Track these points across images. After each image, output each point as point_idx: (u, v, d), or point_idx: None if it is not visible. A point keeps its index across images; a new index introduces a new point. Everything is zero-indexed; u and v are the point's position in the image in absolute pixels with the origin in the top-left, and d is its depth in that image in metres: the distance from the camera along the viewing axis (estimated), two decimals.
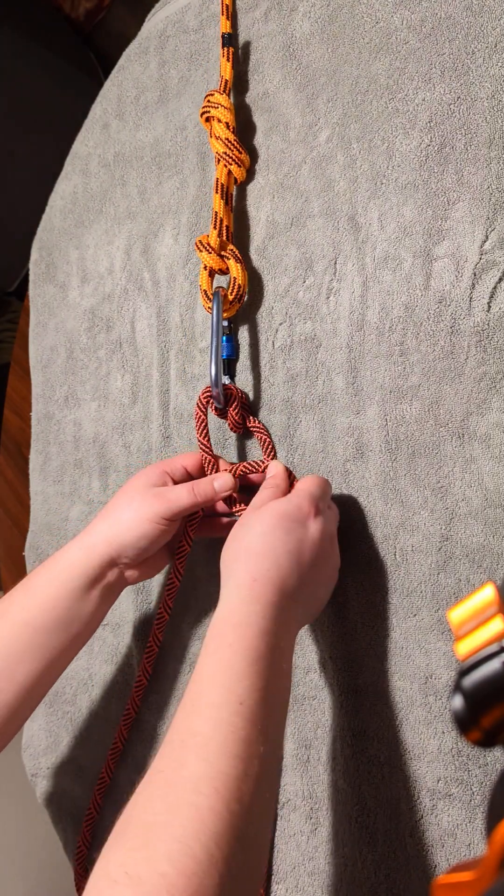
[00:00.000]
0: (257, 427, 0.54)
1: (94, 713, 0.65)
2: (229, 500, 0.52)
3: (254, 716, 0.35)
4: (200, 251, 0.55)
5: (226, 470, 0.51)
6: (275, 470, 0.49)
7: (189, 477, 0.52)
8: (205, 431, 0.53)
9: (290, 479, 0.50)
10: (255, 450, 0.57)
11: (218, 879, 0.29)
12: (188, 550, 0.53)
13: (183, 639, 0.60)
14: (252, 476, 0.53)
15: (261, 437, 0.54)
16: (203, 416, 0.53)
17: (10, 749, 0.50)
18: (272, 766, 0.36)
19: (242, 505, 0.51)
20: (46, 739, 0.68)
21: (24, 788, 0.71)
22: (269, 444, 0.54)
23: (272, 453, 0.54)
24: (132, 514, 0.48)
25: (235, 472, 0.51)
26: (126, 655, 0.63)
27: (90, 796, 0.65)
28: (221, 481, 0.49)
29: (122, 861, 0.30)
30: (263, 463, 0.51)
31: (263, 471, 0.51)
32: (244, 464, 0.52)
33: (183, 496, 0.48)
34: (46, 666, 0.48)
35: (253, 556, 0.41)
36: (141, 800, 0.33)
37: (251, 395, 0.56)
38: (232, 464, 0.53)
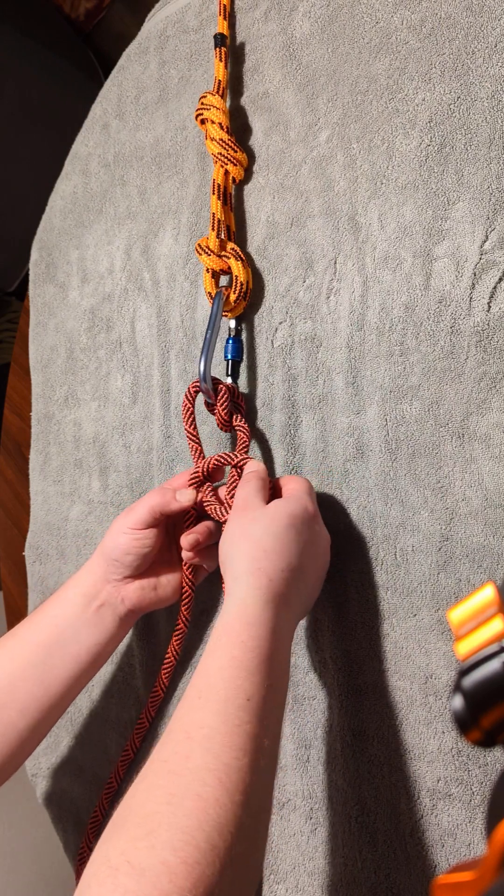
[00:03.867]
0: (241, 426, 0.54)
1: (94, 713, 0.65)
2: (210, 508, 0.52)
3: (260, 711, 0.36)
4: (200, 254, 0.55)
5: (200, 463, 0.52)
6: (255, 466, 0.50)
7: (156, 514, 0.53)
8: (191, 420, 0.54)
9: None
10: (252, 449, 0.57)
11: (219, 869, 0.29)
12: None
13: (188, 644, 0.60)
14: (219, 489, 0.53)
15: (240, 436, 0.54)
16: (190, 406, 0.54)
17: None
18: (273, 760, 0.37)
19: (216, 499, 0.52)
20: (46, 739, 0.68)
21: (24, 788, 0.71)
22: (245, 443, 0.54)
23: (245, 451, 0.53)
24: (111, 532, 0.52)
25: (210, 463, 0.52)
26: (126, 655, 0.63)
27: (91, 797, 0.65)
28: (184, 494, 0.52)
29: (124, 849, 0.30)
30: (236, 456, 0.51)
31: (236, 464, 0.51)
32: (218, 455, 0.52)
33: (141, 504, 0.51)
34: (46, 688, 0.48)
35: (269, 555, 0.42)
36: (142, 789, 0.33)
37: (251, 395, 0.56)
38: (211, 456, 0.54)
